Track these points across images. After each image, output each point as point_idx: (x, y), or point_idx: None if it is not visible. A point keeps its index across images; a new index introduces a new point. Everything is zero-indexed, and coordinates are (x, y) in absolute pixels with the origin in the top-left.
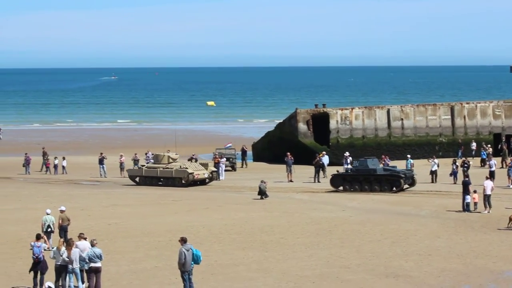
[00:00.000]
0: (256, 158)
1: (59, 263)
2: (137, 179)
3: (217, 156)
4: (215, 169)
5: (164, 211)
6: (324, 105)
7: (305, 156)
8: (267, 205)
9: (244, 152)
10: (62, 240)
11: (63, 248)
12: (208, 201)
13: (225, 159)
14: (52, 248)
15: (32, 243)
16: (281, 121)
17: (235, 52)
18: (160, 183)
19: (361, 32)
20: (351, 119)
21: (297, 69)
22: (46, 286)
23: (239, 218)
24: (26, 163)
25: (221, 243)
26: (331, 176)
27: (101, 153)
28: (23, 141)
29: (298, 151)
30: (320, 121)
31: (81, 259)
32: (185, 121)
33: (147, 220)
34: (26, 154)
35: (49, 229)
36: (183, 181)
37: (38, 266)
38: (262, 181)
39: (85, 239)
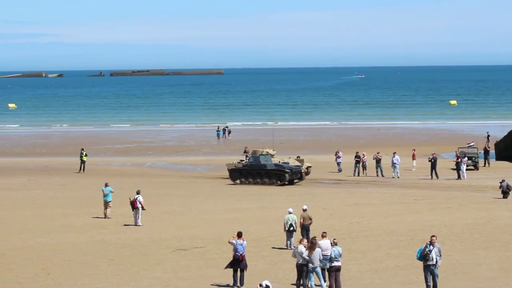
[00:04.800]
0: (499, 157)
1: (300, 262)
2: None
3: (459, 155)
4: (310, 165)
5: (406, 210)
6: None
7: None
8: (509, 205)
9: (486, 151)
10: (301, 238)
11: (300, 247)
12: (450, 200)
13: (467, 158)
14: (294, 247)
15: (234, 241)
16: None
17: (469, 50)
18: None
19: None
20: None
21: None
22: (264, 285)
23: (481, 218)
24: None
25: (462, 243)
26: (229, 170)
27: (378, 153)
28: (267, 140)
29: None
30: None
31: (324, 258)
32: (427, 119)
33: (389, 219)
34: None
35: (291, 228)
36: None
37: (240, 263)
38: (503, 180)
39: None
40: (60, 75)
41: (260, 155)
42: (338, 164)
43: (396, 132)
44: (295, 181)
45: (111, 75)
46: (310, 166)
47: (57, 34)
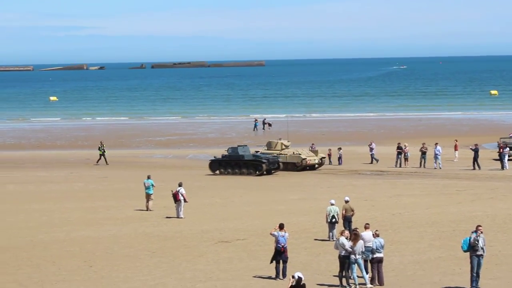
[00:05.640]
0: None
1: (342, 253)
2: None
3: (502, 145)
4: (324, 156)
5: (448, 201)
6: None
7: None
8: None
9: None
10: (342, 230)
11: (342, 238)
12: (492, 190)
13: (508, 148)
14: (336, 239)
15: (276, 233)
16: None
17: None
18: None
19: None
20: None
21: None
22: (296, 276)
23: None
24: None
25: (505, 233)
26: (209, 161)
27: (424, 144)
28: (308, 131)
29: None
30: None
31: (366, 250)
32: (468, 109)
33: (431, 210)
34: (312, 144)
35: (333, 220)
36: (296, 166)
37: (282, 255)
38: None
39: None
40: (101, 68)
41: (238, 146)
42: (372, 155)
43: (437, 123)
44: (273, 171)
45: (152, 67)
46: (324, 157)
47: (98, 26)
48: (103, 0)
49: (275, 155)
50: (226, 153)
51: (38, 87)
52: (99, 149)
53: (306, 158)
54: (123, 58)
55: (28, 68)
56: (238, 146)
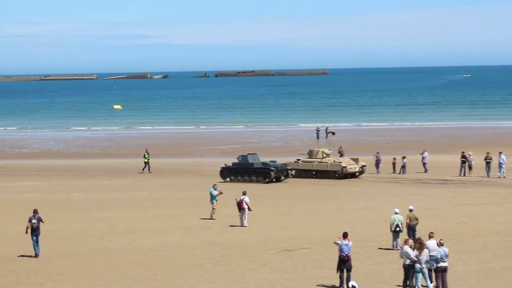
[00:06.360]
0: None
1: (407, 262)
2: (293, 172)
3: None
4: (365, 164)
5: None
6: None
7: None
8: None
9: None
10: (406, 239)
11: (406, 247)
12: None
13: None
14: (400, 247)
15: (340, 242)
16: None
17: None
18: (314, 175)
19: None
20: None
21: None
22: (350, 286)
23: None
24: (377, 163)
25: None
26: (220, 169)
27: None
28: (371, 140)
29: None
30: None
31: (431, 259)
32: None
33: (495, 219)
34: (377, 153)
35: (397, 229)
36: (336, 174)
37: (346, 264)
38: None
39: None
40: (164, 76)
41: (248, 154)
42: (424, 164)
43: (501, 132)
44: (282, 178)
45: (216, 76)
46: (365, 165)
47: (164, 35)
48: (169, 9)
49: (285, 163)
50: (237, 161)
51: (102, 95)
52: (144, 156)
53: (346, 167)
54: (187, 67)
55: (92, 77)
56: (248, 154)
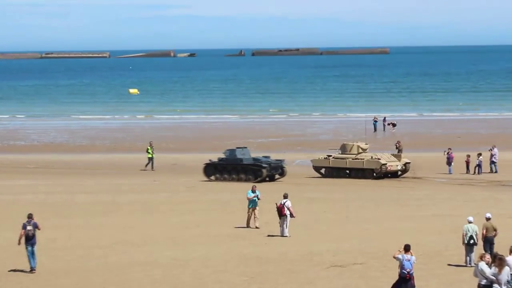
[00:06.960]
0: None
1: (483, 282)
2: (322, 170)
3: None
4: (408, 161)
5: None
6: None
7: None
8: None
9: None
10: (483, 253)
11: (481, 263)
12: None
13: None
14: (475, 264)
15: (401, 256)
16: None
17: None
18: (347, 174)
19: None
20: None
21: None
22: None
23: None
24: (448, 161)
25: None
26: (204, 165)
27: None
28: (441, 133)
29: None
30: None
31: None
32: None
33: None
34: (449, 149)
35: (471, 241)
36: (374, 173)
37: (408, 283)
38: None
39: None
40: (191, 55)
41: (236, 148)
42: (492, 163)
43: None
44: (276, 177)
45: (253, 54)
46: (409, 163)
47: (189, 5)
48: None
49: (280, 159)
50: (223, 156)
51: (115, 77)
52: (147, 151)
53: (386, 164)
54: (218, 44)
55: (104, 55)
56: (237, 148)
